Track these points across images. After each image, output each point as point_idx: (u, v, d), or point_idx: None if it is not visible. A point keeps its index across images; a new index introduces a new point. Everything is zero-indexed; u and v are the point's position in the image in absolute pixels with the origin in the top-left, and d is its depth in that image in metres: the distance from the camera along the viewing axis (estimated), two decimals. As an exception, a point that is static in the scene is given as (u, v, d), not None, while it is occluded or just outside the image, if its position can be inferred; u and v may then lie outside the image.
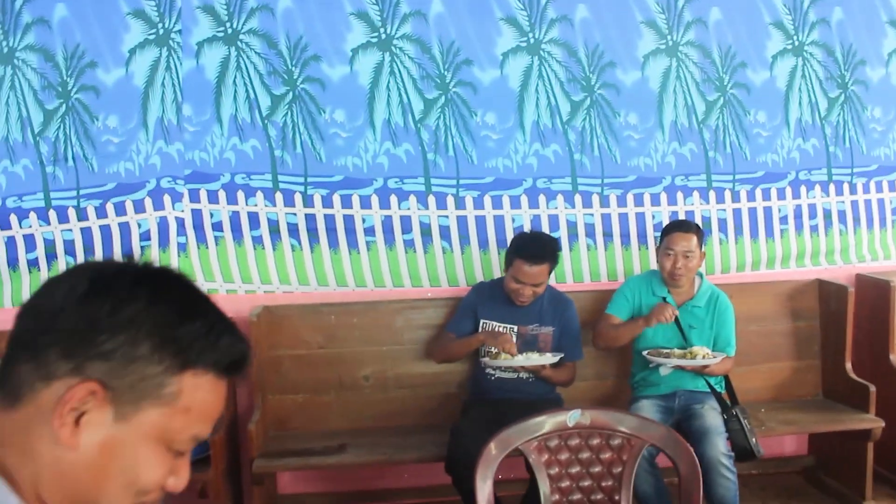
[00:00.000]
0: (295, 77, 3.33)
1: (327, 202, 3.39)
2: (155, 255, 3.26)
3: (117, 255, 3.17)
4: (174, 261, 3.30)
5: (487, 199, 3.51)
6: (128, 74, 3.21)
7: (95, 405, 0.80)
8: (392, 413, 3.40)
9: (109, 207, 3.26)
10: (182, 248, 3.33)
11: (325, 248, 3.40)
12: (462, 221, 3.49)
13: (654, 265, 3.45)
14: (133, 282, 0.84)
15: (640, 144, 3.63)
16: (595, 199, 3.61)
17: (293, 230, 3.37)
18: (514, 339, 3.13)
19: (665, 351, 3.10)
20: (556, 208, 3.58)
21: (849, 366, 3.54)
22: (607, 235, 3.64)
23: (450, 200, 3.47)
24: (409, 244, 3.46)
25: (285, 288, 3.42)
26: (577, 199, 3.59)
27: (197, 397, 0.85)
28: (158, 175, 3.28)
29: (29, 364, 0.81)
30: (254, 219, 3.34)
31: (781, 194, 3.80)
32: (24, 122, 3.16)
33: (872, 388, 3.37)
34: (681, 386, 3.20)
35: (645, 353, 3.14)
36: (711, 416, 3.02)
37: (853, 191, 3.89)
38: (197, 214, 3.33)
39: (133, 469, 0.84)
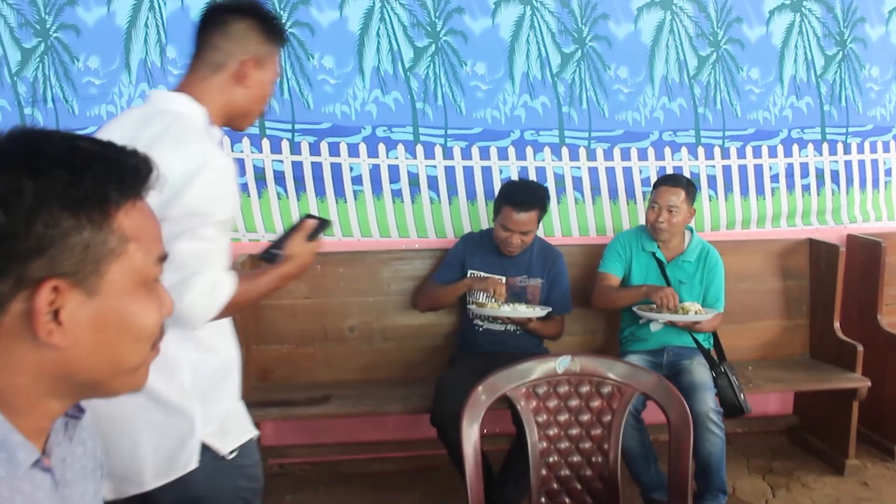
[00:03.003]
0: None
1: (315, 150, 3.36)
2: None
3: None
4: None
5: (475, 150, 3.49)
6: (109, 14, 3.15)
7: (63, 298, 0.78)
8: (377, 365, 3.39)
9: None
10: (397, 194, 3.38)
11: (312, 197, 3.38)
12: (450, 172, 3.47)
13: (642, 220, 3.45)
14: (9, 167, 0.76)
15: (629, 98, 3.60)
16: (582, 152, 3.59)
17: (279, 178, 3.35)
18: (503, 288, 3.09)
19: (655, 307, 3.08)
20: (544, 160, 3.56)
21: (837, 325, 3.55)
22: (595, 189, 3.63)
23: (438, 150, 3.44)
24: (396, 194, 3.45)
25: (270, 236, 3.32)
26: (565, 151, 3.58)
27: (136, 227, 0.83)
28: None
29: None
30: (240, 166, 3.30)
31: (773, 152, 3.79)
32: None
33: (860, 348, 3.39)
34: (669, 342, 3.20)
35: (635, 308, 3.13)
36: (700, 372, 3.02)
37: (847, 150, 3.88)
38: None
39: (132, 325, 0.84)
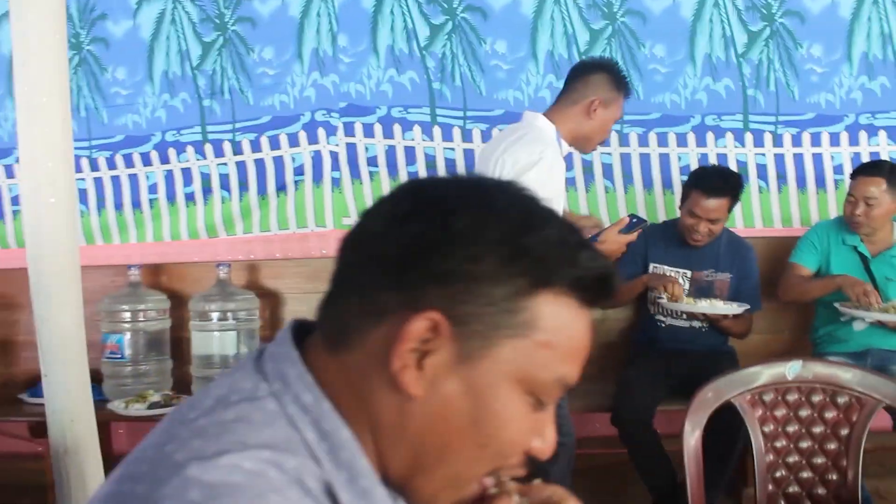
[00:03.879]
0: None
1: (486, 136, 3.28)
2: (308, 190, 3.33)
3: (271, 189, 3.34)
4: (327, 197, 3.35)
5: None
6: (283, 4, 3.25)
7: (439, 342, 0.65)
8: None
9: (264, 141, 3.34)
10: (336, 183, 3.34)
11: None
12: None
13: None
14: (462, 193, 0.70)
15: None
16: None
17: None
18: (687, 286, 2.97)
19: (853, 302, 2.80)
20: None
21: None
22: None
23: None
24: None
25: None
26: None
27: (557, 327, 0.68)
28: (313, 108, 3.31)
29: (355, 302, 0.69)
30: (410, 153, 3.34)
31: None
32: (183, 55, 3.28)
33: None
34: (873, 344, 2.91)
35: (838, 304, 2.86)
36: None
37: None
38: (351, 148, 3.34)
39: (490, 422, 0.68)
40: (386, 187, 3.35)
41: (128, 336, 2.99)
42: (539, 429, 0.71)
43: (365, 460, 0.67)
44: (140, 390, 2.90)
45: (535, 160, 2.23)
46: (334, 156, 3.31)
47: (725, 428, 1.81)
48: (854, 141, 3.38)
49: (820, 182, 3.37)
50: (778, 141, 3.37)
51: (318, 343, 0.72)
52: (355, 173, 3.34)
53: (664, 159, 3.37)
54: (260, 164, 3.31)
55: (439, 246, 0.66)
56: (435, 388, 0.66)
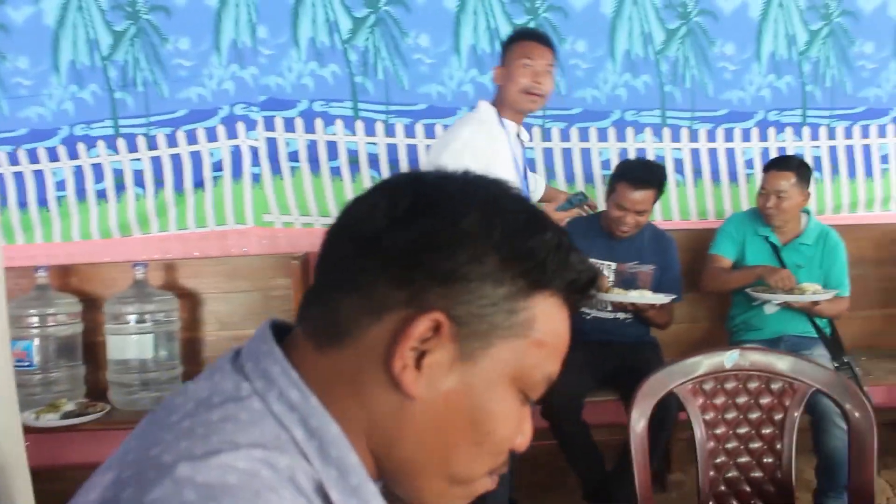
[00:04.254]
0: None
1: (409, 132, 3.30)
2: (227, 187, 3.20)
3: (188, 186, 3.19)
4: (247, 193, 3.23)
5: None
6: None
7: (439, 342, 0.65)
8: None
9: (180, 135, 3.18)
10: (256, 178, 3.24)
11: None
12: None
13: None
14: (467, 190, 0.69)
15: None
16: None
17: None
18: (612, 278, 3.00)
19: (770, 289, 2.90)
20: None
21: None
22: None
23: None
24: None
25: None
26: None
27: (549, 327, 0.70)
28: (232, 101, 3.18)
29: (353, 296, 0.67)
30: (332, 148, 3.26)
31: (882, 132, 3.62)
32: (92, 45, 3.09)
33: None
34: (786, 330, 3.02)
35: (749, 289, 2.96)
36: (822, 364, 2.82)
37: None
38: (272, 143, 3.23)
39: (487, 421, 0.68)
40: (308, 183, 3.28)
41: (36, 342, 2.84)
42: (521, 424, 0.72)
43: (355, 457, 0.66)
44: (51, 399, 2.76)
45: (447, 142, 2.44)
46: (254, 151, 3.22)
47: (657, 417, 1.85)
48: (763, 136, 3.53)
49: (732, 176, 3.52)
50: (693, 136, 3.48)
51: (301, 340, 0.70)
52: (276, 169, 3.25)
53: (585, 154, 3.42)
54: (176, 159, 3.18)
55: (446, 244, 0.65)
56: (433, 388, 0.66)
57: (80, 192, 3.17)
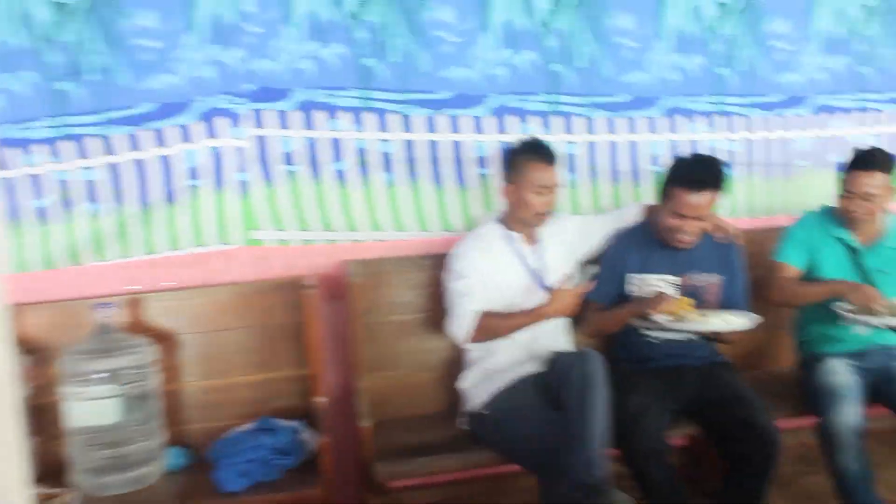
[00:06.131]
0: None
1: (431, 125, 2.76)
2: (207, 198, 2.57)
3: (156, 199, 2.54)
4: (233, 205, 2.61)
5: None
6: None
7: None
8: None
9: (145, 136, 2.52)
10: (244, 187, 2.62)
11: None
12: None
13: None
14: None
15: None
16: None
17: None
18: (676, 293, 2.58)
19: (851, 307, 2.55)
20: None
21: None
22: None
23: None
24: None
25: (376, 236, 2.77)
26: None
27: None
28: (211, 92, 2.55)
29: None
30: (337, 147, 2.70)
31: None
32: (29, 22, 2.39)
33: None
34: (872, 341, 2.69)
35: (841, 310, 2.58)
36: None
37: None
38: (262, 143, 2.64)
39: None
40: (309, 190, 2.66)
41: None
42: None
43: None
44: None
45: (455, 257, 2.53)
46: (240, 153, 2.59)
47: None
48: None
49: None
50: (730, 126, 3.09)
51: None
52: (267, 174, 2.63)
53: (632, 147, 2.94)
54: (140, 166, 2.51)
55: None
56: None
57: (13, 212, 2.46)
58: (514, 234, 2.55)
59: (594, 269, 2.42)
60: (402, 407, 2.66)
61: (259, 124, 2.60)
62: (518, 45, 2.80)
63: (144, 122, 2.49)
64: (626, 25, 2.89)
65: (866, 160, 2.61)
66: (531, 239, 2.57)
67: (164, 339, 2.46)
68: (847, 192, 2.63)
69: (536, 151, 2.48)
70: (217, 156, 2.56)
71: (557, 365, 2.33)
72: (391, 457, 2.34)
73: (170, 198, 2.53)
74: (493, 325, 2.43)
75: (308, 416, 2.46)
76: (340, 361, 2.72)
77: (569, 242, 2.64)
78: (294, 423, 2.43)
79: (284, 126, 2.62)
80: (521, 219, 2.52)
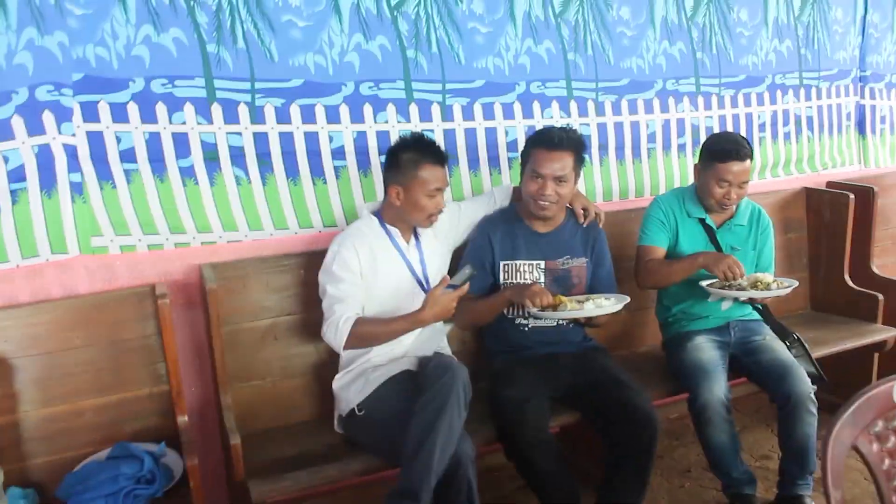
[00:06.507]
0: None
1: (283, 116, 2.59)
2: (35, 203, 2.26)
3: None
4: (66, 209, 2.31)
5: (477, 108, 2.88)
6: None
7: None
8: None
9: None
10: (77, 189, 2.33)
11: (282, 179, 2.63)
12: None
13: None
14: None
15: (632, 43, 3.20)
16: (590, 105, 3.17)
17: (237, 156, 2.55)
18: (542, 278, 2.60)
19: (718, 280, 2.67)
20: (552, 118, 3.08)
21: (847, 276, 3.42)
22: (602, 148, 3.20)
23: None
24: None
25: (231, 236, 2.57)
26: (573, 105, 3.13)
27: None
28: (32, 82, 2.22)
29: None
30: (182, 143, 2.46)
31: (760, 99, 3.61)
32: None
33: (881, 297, 3.27)
34: (731, 315, 2.85)
35: (706, 286, 2.69)
36: (780, 349, 2.72)
37: (818, 96, 3.80)
38: (96, 139, 2.33)
39: None
40: (152, 190, 2.43)
41: None
42: None
43: None
44: None
45: (331, 256, 2.39)
46: (71, 150, 2.31)
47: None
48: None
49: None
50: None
51: None
52: (104, 173, 2.37)
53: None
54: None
55: None
56: None
57: None
58: (393, 230, 2.46)
59: (470, 270, 2.33)
60: (272, 418, 2.52)
61: (90, 118, 2.33)
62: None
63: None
64: (477, 10, 2.85)
65: (738, 150, 2.70)
66: (409, 233, 2.49)
67: (-9, 366, 2.16)
68: (721, 181, 2.71)
69: (428, 151, 2.39)
70: (44, 154, 2.26)
71: (426, 372, 2.25)
72: (265, 473, 2.20)
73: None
74: (371, 332, 2.33)
75: (170, 437, 2.26)
76: (201, 374, 2.53)
77: (443, 233, 2.58)
78: (155, 447, 2.22)
79: (121, 120, 2.37)
80: (410, 220, 2.44)
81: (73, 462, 2.22)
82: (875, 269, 3.57)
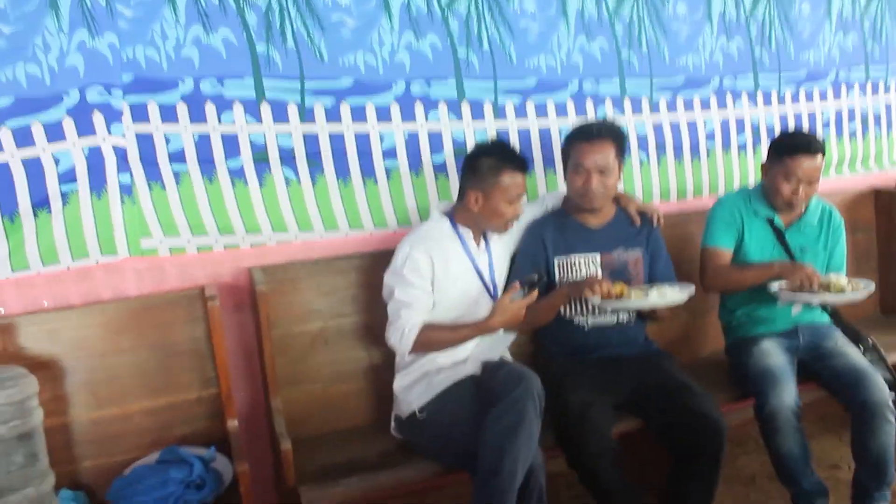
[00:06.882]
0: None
1: (333, 115, 2.55)
2: (85, 204, 2.26)
3: (24, 208, 2.19)
4: (115, 211, 2.30)
5: (530, 107, 2.83)
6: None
7: None
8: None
9: (3, 134, 2.14)
10: (126, 190, 2.32)
11: (332, 179, 2.58)
12: (502, 136, 2.75)
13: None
14: None
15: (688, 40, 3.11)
16: (644, 103, 3.08)
17: (287, 156, 2.52)
18: (599, 273, 2.53)
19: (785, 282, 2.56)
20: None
21: None
22: (659, 147, 3.12)
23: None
24: (439, 168, 2.70)
25: (281, 237, 2.54)
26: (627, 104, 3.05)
27: None
28: (82, 83, 2.22)
29: None
30: (233, 144, 2.44)
31: (823, 96, 3.49)
32: None
33: None
34: (801, 320, 2.72)
35: (776, 288, 2.56)
36: (854, 354, 2.60)
37: (886, 90, 3.67)
38: (146, 140, 2.33)
39: None
40: (201, 191, 2.40)
41: None
42: None
43: None
44: None
45: (402, 258, 2.33)
46: (120, 152, 2.29)
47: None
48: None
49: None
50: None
51: None
52: (153, 175, 2.35)
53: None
54: (3, 170, 2.17)
55: None
56: None
57: None
58: (465, 233, 2.41)
59: (534, 277, 2.28)
60: (324, 423, 2.47)
61: (140, 118, 2.31)
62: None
63: (2, 120, 2.15)
64: (529, 8, 2.78)
65: (809, 145, 2.59)
66: (479, 237, 2.44)
67: (44, 368, 2.14)
68: (790, 177, 2.60)
69: (510, 158, 2.34)
70: (94, 156, 2.25)
71: (495, 381, 2.19)
72: (316, 480, 2.14)
73: (40, 206, 2.20)
74: (437, 339, 2.29)
75: (220, 441, 2.22)
76: (251, 378, 2.49)
77: (505, 238, 2.52)
78: (204, 451, 2.19)
79: (170, 120, 2.35)
80: (487, 226, 2.40)
81: (122, 465, 2.19)
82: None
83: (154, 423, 2.28)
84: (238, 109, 2.42)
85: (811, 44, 3.39)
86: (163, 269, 2.38)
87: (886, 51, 3.61)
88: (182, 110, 2.36)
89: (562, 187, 2.65)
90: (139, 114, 2.31)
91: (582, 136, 2.45)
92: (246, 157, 2.45)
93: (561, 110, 2.89)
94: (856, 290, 2.52)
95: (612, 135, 2.45)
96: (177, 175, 2.37)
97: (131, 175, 2.32)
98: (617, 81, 2.99)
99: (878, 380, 2.45)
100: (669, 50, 3.06)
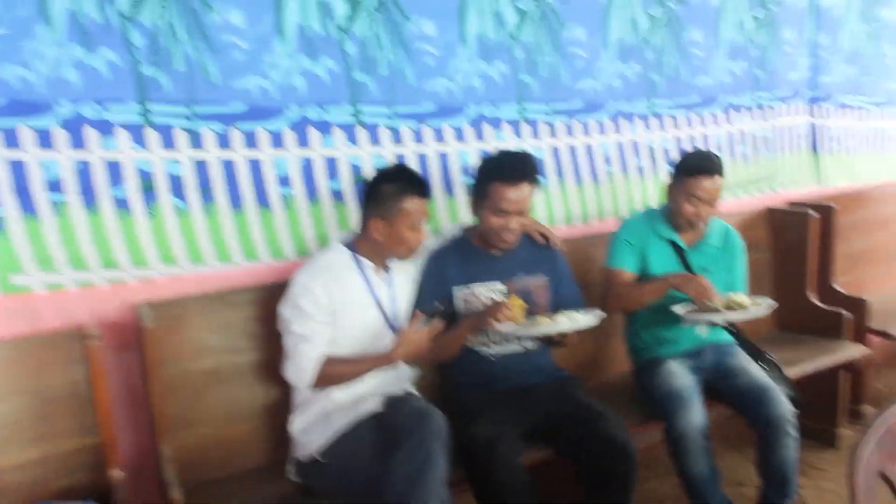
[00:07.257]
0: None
1: (224, 142, 2.44)
2: None
3: None
4: None
5: (428, 131, 2.79)
6: None
7: None
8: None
9: None
10: None
11: (225, 209, 2.46)
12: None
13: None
14: None
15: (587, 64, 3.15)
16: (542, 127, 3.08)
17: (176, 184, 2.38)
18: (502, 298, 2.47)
19: (688, 305, 2.58)
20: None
21: (812, 295, 3.43)
22: (560, 171, 3.13)
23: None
24: (337, 196, 2.61)
25: (174, 271, 2.39)
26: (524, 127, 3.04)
27: None
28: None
29: None
30: (115, 171, 2.28)
31: (715, 119, 3.62)
32: None
33: (847, 315, 3.29)
34: (705, 340, 2.75)
35: (680, 310, 2.56)
36: (756, 371, 2.65)
37: (773, 116, 3.82)
38: (17, 168, 2.15)
39: None
40: (82, 222, 2.23)
41: None
42: None
43: None
44: None
45: (299, 289, 2.22)
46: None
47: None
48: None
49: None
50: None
51: None
52: (27, 206, 2.17)
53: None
54: None
55: None
56: None
57: None
58: (366, 263, 2.32)
59: (440, 307, 2.23)
60: (219, 467, 2.31)
61: (11, 144, 2.13)
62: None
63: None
64: (428, 31, 2.75)
65: (709, 166, 2.62)
66: (382, 267, 2.34)
67: None
68: (691, 197, 2.62)
69: (411, 183, 2.25)
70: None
71: (398, 419, 2.11)
72: (211, 530, 1.99)
73: None
74: (339, 372, 2.19)
75: (102, 494, 2.04)
76: (137, 423, 2.30)
77: (410, 269, 2.44)
78: (85, 507, 1.99)
79: (46, 146, 2.18)
80: (391, 254, 2.31)
81: (-10, 529, 1.98)
82: (838, 287, 3.57)
83: (27, 478, 2.06)
84: (122, 135, 2.27)
85: (703, 69, 3.49)
86: (37, 308, 2.19)
87: (771, 77, 3.75)
88: (59, 135, 2.19)
89: (464, 216, 2.60)
90: (10, 139, 2.13)
91: (503, 178, 2.34)
92: (131, 186, 2.30)
93: (459, 134, 2.85)
94: (757, 307, 2.55)
95: (532, 174, 2.38)
96: (54, 205, 2.20)
97: (1, 206, 2.13)
98: (515, 106, 2.97)
99: (780, 396, 2.51)
100: (568, 74, 3.08)
